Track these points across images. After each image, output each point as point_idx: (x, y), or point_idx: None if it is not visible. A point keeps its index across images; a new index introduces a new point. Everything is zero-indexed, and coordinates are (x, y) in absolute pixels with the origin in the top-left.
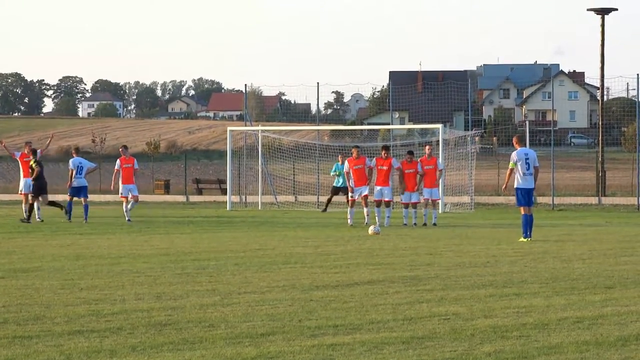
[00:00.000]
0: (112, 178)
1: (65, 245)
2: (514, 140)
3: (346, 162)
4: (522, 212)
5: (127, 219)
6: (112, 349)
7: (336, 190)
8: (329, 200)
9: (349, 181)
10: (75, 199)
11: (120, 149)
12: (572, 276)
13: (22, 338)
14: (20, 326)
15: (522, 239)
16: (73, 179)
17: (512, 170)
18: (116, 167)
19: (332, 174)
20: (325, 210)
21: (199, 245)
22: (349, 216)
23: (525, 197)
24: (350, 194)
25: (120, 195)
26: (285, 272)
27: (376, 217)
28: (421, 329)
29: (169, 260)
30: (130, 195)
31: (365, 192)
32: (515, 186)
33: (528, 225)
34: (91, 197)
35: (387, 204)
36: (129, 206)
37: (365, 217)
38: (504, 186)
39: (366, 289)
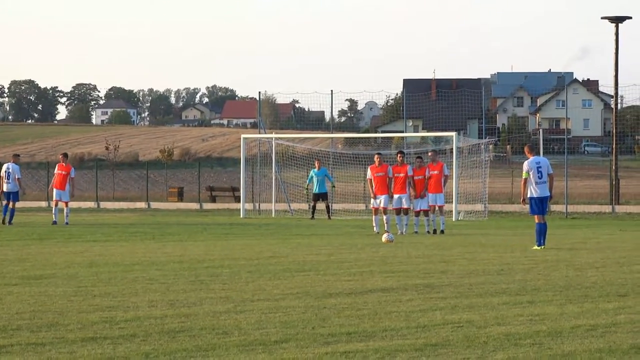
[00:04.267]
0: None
1: (79, 252)
2: (526, 149)
3: (368, 170)
4: (536, 221)
5: (53, 220)
6: (125, 356)
7: (316, 197)
8: (314, 208)
9: (371, 188)
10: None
11: (60, 156)
12: (586, 284)
13: (36, 345)
14: (34, 333)
15: (535, 247)
16: (4, 184)
17: (526, 180)
18: (55, 172)
19: (308, 184)
20: (312, 217)
21: (213, 253)
22: (374, 224)
23: (539, 205)
24: (372, 201)
25: (53, 198)
26: (298, 279)
27: (397, 225)
28: (434, 336)
29: (183, 267)
30: (61, 200)
31: (384, 205)
32: (528, 195)
33: (542, 234)
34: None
35: (406, 211)
36: (65, 211)
37: (385, 224)
38: (522, 199)
39: (379, 296)
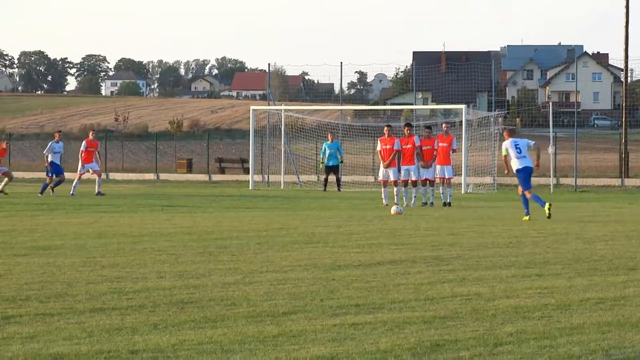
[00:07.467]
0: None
1: (88, 223)
2: (505, 134)
3: (378, 142)
4: (522, 193)
5: (71, 192)
6: (133, 327)
7: (329, 170)
8: (326, 180)
9: (381, 159)
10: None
11: (91, 134)
12: (595, 257)
13: (44, 315)
14: (42, 303)
15: (525, 218)
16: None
17: (506, 157)
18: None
19: (322, 157)
20: (325, 189)
21: (221, 224)
22: (382, 196)
23: (526, 177)
24: (380, 174)
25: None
26: (307, 251)
27: (404, 197)
28: (443, 309)
29: (191, 238)
30: (91, 172)
31: (393, 178)
32: (514, 169)
33: (526, 204)
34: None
35: (414, 183)
36: (98, 181)
37: (395, 197)
38: (506, 171)
39: (388, 268)
